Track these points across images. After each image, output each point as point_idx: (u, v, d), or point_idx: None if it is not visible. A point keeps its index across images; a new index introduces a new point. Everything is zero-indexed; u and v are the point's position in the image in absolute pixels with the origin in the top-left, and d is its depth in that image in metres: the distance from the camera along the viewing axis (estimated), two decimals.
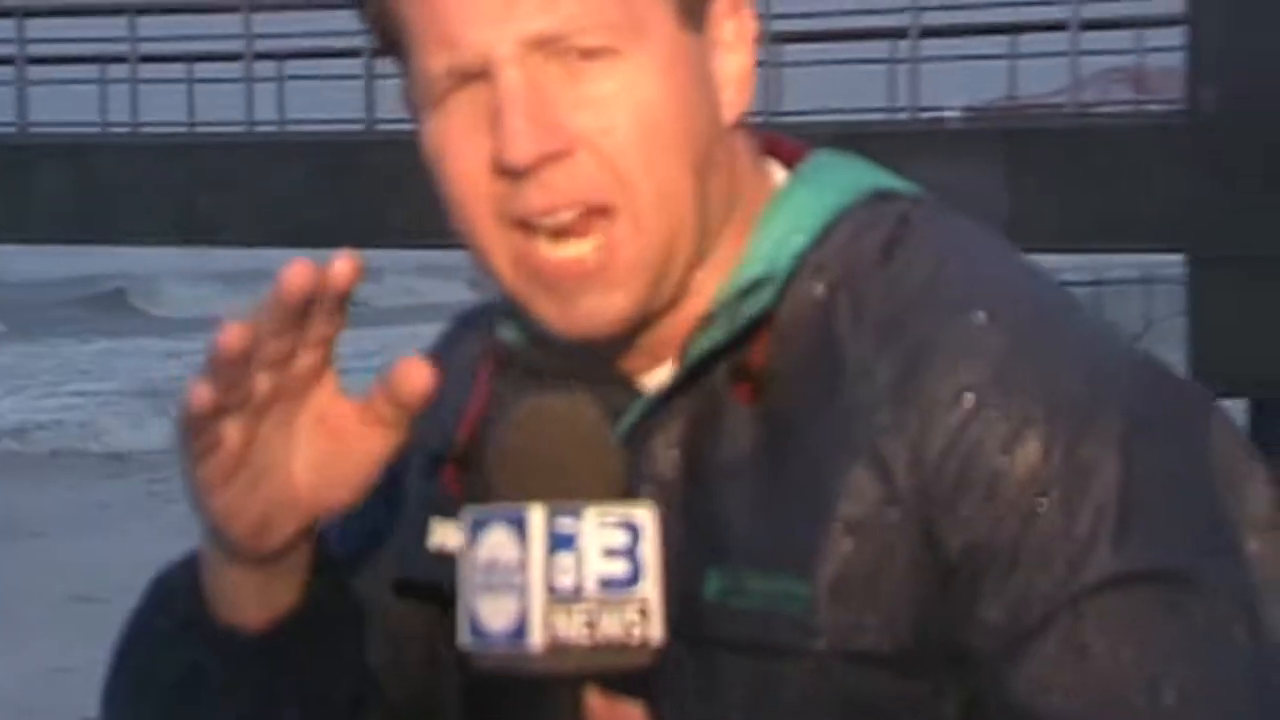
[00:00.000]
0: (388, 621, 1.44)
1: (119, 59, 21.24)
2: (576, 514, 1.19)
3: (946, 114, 18.15)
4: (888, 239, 1.35)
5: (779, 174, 1.41)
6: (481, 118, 1.31)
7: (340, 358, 1.27)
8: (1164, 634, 1.26)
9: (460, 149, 1.32)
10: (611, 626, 1.18)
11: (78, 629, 9.56)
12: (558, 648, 1.17)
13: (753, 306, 1.34)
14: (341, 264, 1.20)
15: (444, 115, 1.33)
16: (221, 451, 1.24)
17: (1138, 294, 24.59)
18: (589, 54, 1.30)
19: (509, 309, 1.41)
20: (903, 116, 16.88)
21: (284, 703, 1.36)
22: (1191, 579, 1.27)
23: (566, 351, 1.38)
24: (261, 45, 20.84)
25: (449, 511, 1.36)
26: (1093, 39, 17.91)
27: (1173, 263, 15.10)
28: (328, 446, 1.27)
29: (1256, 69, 14.91)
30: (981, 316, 1.31)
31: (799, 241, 1.36)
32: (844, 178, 1.40)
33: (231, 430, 1.24)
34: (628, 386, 1.38)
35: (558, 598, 1.17)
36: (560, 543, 1.18)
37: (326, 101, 21.35)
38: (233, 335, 1.19)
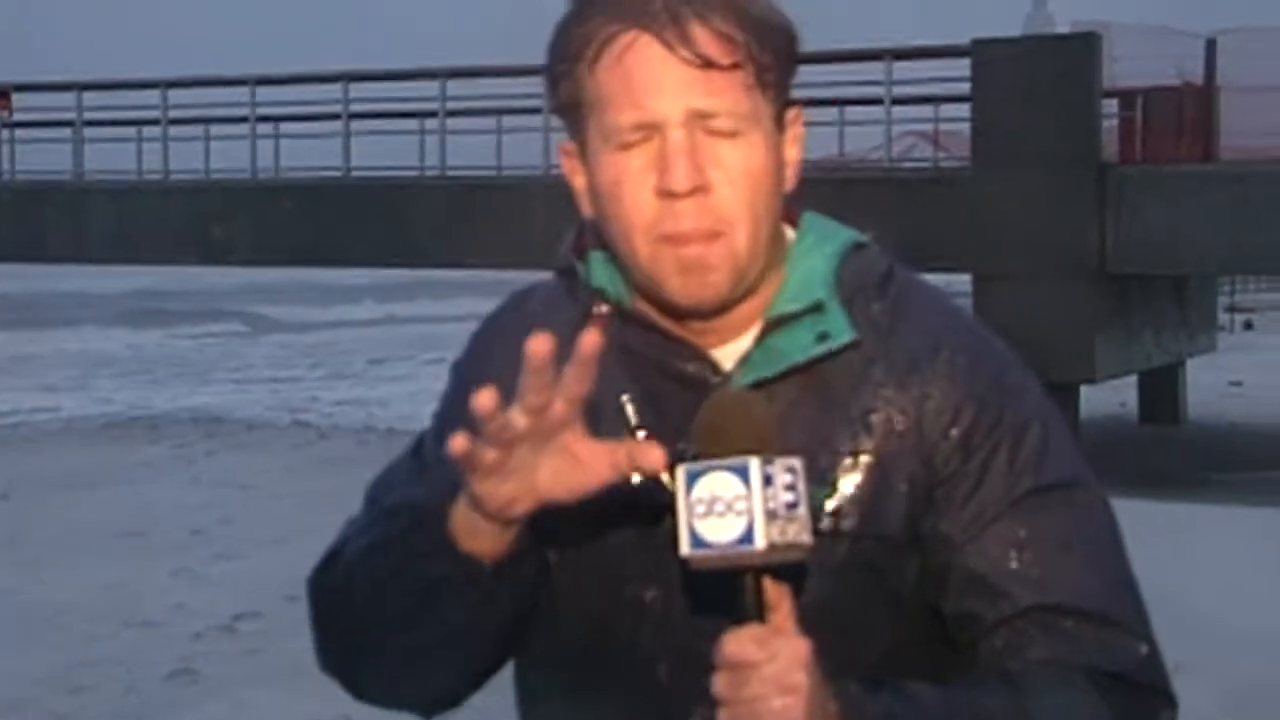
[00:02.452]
0: None
1: (153, 122, 21.15)
2: (771, 463, 1.35)
3: None
4: (882, 276, 1.58)
5: (788, 229, 1.59)
6: (650, 161, 1.47)
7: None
8: (1064, 516, 1.54)
9: (635, 180, 1.47)
10: (792, 534, 1.35)
11: (126, 555, 9.64)
12: (771, 547, 1.34)
13: (839, 330, 1.53)
14: (586, 339, 1.32)
15: (625, 156, 1.48)
16: (482, 468, 1.36)
17: None
18: (724, 133, 1.47)
19: (595, 295, 1.57)
20: None
21: (497, 608, 1.47)
22: (1078, 484, 1.56)
23: (661, 335, 1.54)
24: (263, 110, 20.78)
25: None
26: (900, 110, 18.13)
27: (962, 280, 15.33)
28: (566, 467, 1.37)
29: (1016, 137, 15.23)
30: (955, 333, 1.58)
31: (828, 276, 1.56)
32: (836, 234, 1.61)
33: (490, 455, 1.35)
34: (703, 357, 1.54)
35: (768, 516, 1.34)
36: (766, 481, 1.34)
37: (312, 152, 21.27)
38: (484, 399, 1.31)
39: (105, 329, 37.08)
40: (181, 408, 20.98)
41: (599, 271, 1.58)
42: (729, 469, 1.34)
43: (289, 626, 7.85)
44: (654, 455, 1.35)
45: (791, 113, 1.54)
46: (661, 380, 1.53)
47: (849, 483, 1.51)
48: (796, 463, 1.37)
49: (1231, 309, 30.53)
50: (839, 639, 1.47)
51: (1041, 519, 1.52)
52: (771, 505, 1.34)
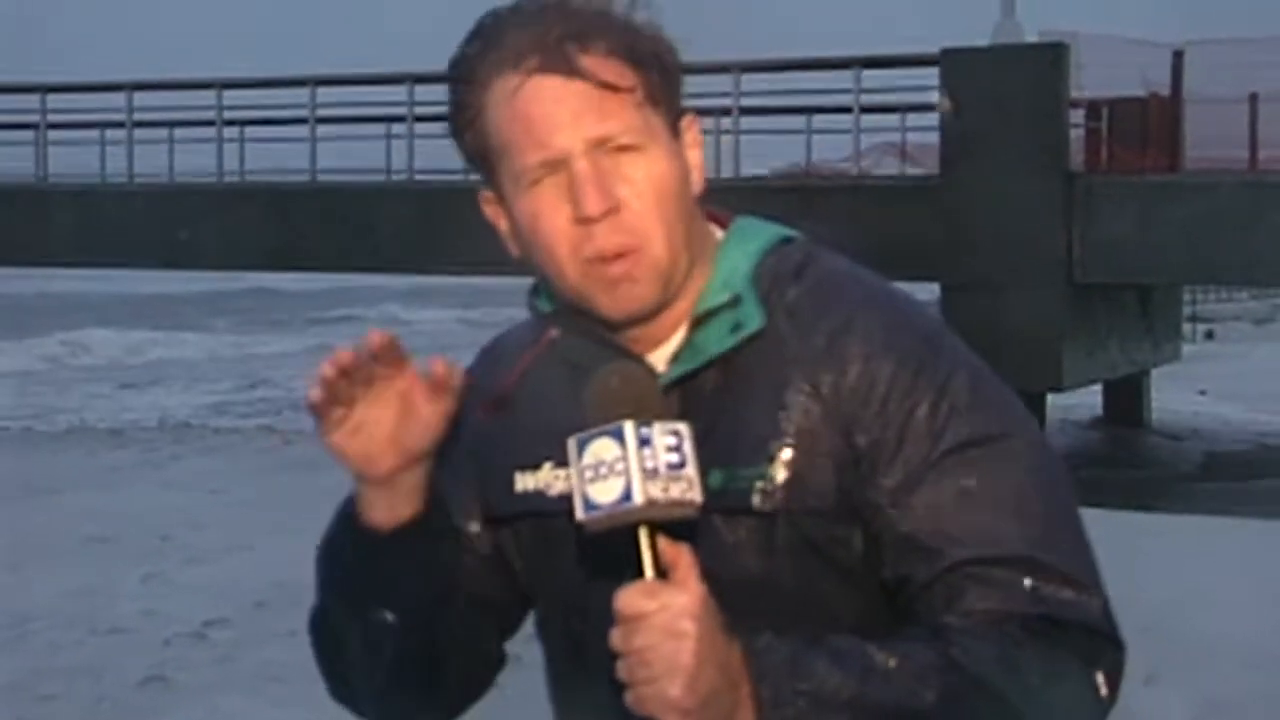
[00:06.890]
0: (468, 540, 1.69)
1: (117, 124, 21.13)
2: (649, 425, 1.43)
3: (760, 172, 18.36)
4: (798, 264, 1.64)
5: (717, 231, 1.67)
6: (562, 192, 1.56)
7: None
8: (986, 470, 1.57)
9: (550, 213, 1.57)
10: (676, 491, 1.42)
11: (94, 561, 9.64)
12: (650, 503, 1.41)
13: (749, 319, 1.60)
14: (377, 337, 1.51)
15: (537, 193, 1.57)
16: (330, 417, 1.53)
17: None
18: (624, 149, 1.56)
19: (549, 320, 1.67)
20: (726, 174, 17.07)
21: (398, 580, 1.59)
22: (1003, 436, 1.58)
23: (596, 345, 1.63)
24: (229, 114, 20.80)
25: (503, 449, 1.66)
26: (869, 120, 18.24)
27: (930, 289, 15.43)
28: (405, 411, 1.53)
29: (984, 146, 15.38)
30: (869, 308, 1.61)
31: (746, 271, 1.63)
32: (761, 232, 1.67)
33: (334, 409, 1.53)
34: (640, 361, 1.61)
35: (647, 474, 1.41)
36: (643, 442, 1.42)
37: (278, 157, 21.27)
38: (328, 368, 1.51)
39: (63, 333, 36.80)
40: (145, 413, 20.94)
41: (545, 302, 1.69)
42: (607, 434, 1.43)
43: (260, 633, 7.90)
44: (436, 366, 1.52)
45: (685, 120, 1.63)
46: None
47: (776, 462, 1.57)
48: (681, 427, 1.44)
49: (1193, 319, 30.75)
50: (795, 618, 1.52)
51: (963, 476, 1.55)
52: (650, 464, 1.41)
